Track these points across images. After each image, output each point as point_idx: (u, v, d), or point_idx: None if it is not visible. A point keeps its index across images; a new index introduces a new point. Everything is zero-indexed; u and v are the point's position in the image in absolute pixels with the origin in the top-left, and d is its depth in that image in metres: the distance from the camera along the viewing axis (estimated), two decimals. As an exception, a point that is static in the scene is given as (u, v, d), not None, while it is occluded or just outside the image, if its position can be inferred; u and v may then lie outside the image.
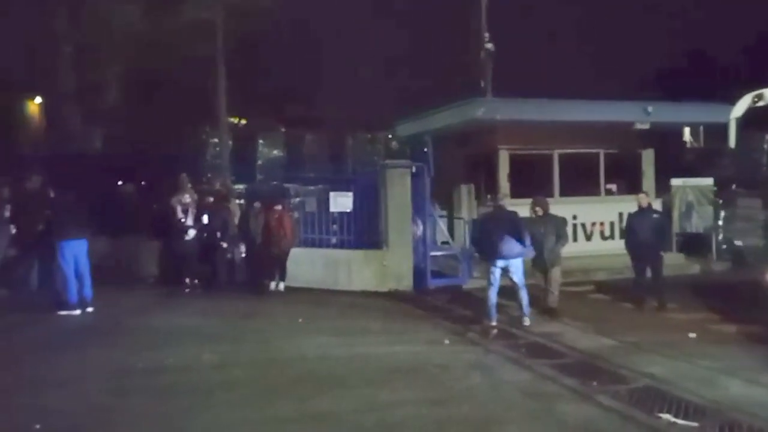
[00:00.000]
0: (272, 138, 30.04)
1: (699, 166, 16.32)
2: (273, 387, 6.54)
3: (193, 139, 25.92)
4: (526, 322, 9.13)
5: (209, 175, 21.92)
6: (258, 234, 12.19)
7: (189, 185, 12.99)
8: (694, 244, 14.80)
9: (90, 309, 9.95)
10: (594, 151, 14.37)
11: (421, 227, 12.58)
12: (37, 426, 5.40)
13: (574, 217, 13.46)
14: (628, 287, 10.78)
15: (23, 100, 24.33)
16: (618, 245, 11.83)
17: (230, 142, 21.95)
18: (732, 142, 9.64)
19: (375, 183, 12.64)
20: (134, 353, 7.67)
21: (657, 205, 12.80)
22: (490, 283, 9.16)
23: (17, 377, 6.79)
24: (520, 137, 13.61)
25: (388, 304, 11.14)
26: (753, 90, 9.38)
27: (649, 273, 10.31)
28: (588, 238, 14.07)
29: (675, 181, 15.20)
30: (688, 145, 20.34)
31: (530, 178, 13.43)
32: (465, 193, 14.96)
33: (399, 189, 12.32)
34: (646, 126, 13.73)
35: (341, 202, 12.70)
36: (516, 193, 11.58)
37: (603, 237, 14.15)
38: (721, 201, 14.44)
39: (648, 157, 14.71)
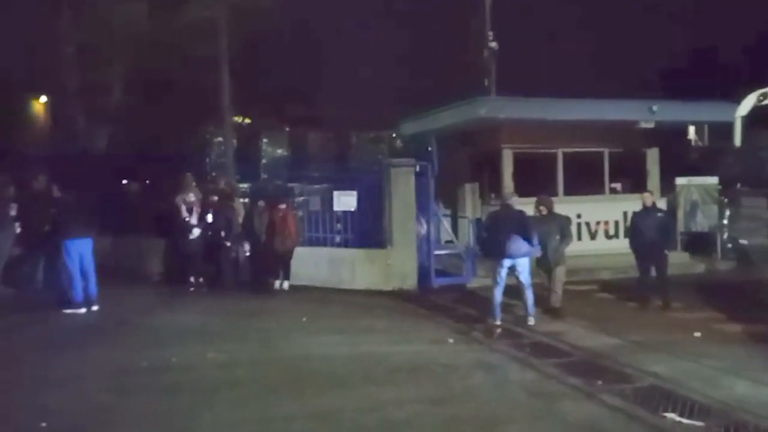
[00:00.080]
0: (276, 137, 30.01)
1: (704, 164, 16.26)
2: (276, 386, 6.54)
3: (198, 138, 25.93)
4: (531, 321, 9.13)
5: (214, 174, 21.91)
6: (262, 233, 12.20)
7: (193, 184, 13.01)
8: (698, 244, 14.77)
9: (95, 307, 9.99)
10: (598, 149, 14.34)
11: (425, 226, 12.58)
12: (43, 424, 5.43)
13: (579, 216, 13.46)
14: (633, 286, 10.76)
15: (28, 100, 24.42)
16: (622, 244, 11.82)
17: (234, 141, 21.93)
18: (737, 140, 9.63)
19: (379, 182, 12.63)
20: (139, 352, 7.69)
21: (662, 204, 12.76)
22: (495, 282, 9.15)
23: (22, 375, 6.82)
24: (524, 136, 13.59)
25: (392, 303, 11.14)
26: (755, 89, 9.36)
27: (653, 272, 10.29)
28: (592, 237, 14.06)
29: (680, 180, 15.17)
30: (693, 144, 20.26)
31: (534, 177, 13.40)
32: (469, 192, 14.96)
33: (403, 188, 12.32)
34: (651, 125, 13.70)
35: (345, 201, 12.70)
36: (520, 192, 11.51)
37: (607, 236, 14.14)
38: (726, 200, 14.40)
39: (653, 155, 14.69)
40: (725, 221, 14.48)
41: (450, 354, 7.81)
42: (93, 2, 21.09)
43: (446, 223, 13.83)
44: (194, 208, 12.40)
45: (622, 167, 14.58)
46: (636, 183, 14.06)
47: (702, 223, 15.10)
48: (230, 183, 15.38)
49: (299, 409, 5.85)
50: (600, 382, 6.50)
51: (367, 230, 12.66)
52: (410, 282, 12.14)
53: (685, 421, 5.50)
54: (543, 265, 9.86)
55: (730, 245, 14.06)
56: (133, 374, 6.86)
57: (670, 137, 15.38)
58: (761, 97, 9.24)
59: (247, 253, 12.68)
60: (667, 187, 14.87)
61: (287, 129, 29.72)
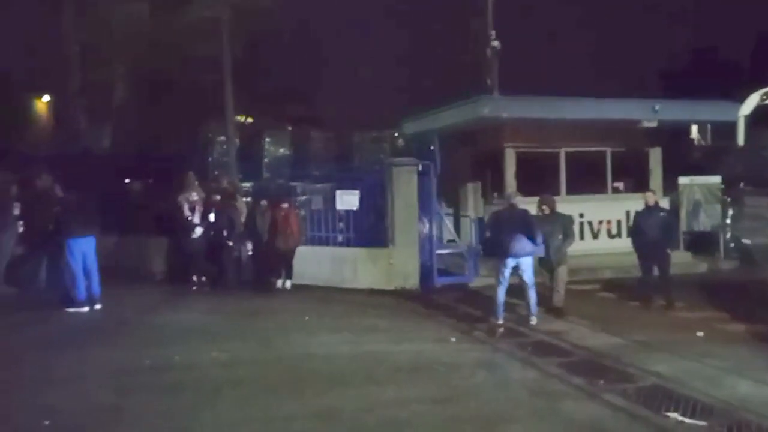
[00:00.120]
0: (279, 136, 29.99)
1: (707, 164, 16.22)
2: (278, 385, 6.55)
3: (200, 137, 25.97)
4: (533, 320, 9.12)
5: (216, 173, 21.91)
6: (265, 232, 12.21)
7: (196, 183, 13.02)
8: (701, 243, 14.75)
9: (98, 306, 10.01)
10: (601, 149, 14.32)
11: (427, 225, 12.57)
12: (46, 423, 5.43)
13: (581, 216, 13.44)
14: (635, 286, 10.75)
15: (30, 99, 24.47)
16: (625, 244, 11.80)
17: (237, 141, 21.96)
18: (740, 139, 9.62)
19: (381, 181, 12.63)
20: (141, 351, 7.69)
21: (664, 203, 12.76)
22: (498, 282, 9.14)
23: (24, 374, 6.83)
24: (526, 135, 13.58)
25: (395, 302, 11.14)
26: (756, 89, 9.34)
27: (656, 271, 10.27)
28: (595, 236, 14.04)
29: (682, 179, 15.13)
30: (696, 143, 20.23)
31: (537, 177, 13.40)
32: (471, 192, 14.94)
33: (405, 187, 12.31)
34: (654, 124, 13.68)
35: (348, 200, 12.70)
36: (523, 191, 11.51)
37: (610, 235, 14.11)
38: (728, 199, 14.36)
39: (655, 155, 14.66)
40: (728, 221, 14.45)
41: (452, 353, 7.81)
42: (94, 2, 21.15)
43: (448, 223, 13.81)
44: (197, 207, 12.41)
45: (624, 166, 14.55)
46: (638, 182, 14.04)
47: (705, 222, 15.07)
48: (233, 182, 15.39)
49: (301, 409, 5.85)
50: (602, 382, 6.49)
51: (370, 229, 12.66)
52: (412, 281, 12.13)
53: (687, 420, 5.49)
54: (545, 265, 9.85)
55: (732, 245, 14.04)
56: (136, 373, 6.87)
57: (672, 136, 15.36)
58: (764, 97, 9.22)
59: (250, 253, 12.68)
60: (670, 187, 14.83)
61: (290, 128, 29.71)
